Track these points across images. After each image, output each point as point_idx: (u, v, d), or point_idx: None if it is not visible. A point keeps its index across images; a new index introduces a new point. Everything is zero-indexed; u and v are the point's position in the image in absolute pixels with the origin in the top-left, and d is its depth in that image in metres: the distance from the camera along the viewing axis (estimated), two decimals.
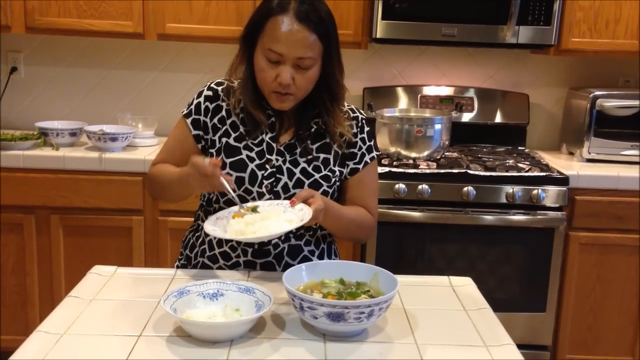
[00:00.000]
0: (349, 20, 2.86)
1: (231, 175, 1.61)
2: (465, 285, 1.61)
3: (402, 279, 1.40)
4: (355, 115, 1.72)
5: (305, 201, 1.49)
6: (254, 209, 1.51)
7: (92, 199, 2.73)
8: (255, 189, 1.62)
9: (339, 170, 1.68)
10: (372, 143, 1.73)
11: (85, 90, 3.26)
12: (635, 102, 2.91)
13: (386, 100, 3.16)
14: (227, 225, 1.49)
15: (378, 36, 2.86)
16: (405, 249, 2.72)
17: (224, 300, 1.36)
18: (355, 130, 1.70)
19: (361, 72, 3.23)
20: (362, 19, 2.88)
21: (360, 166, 1.70)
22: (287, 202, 1.51)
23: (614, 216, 2.74)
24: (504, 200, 2.68)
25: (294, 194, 1.60)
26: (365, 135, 1.71)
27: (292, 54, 1.53)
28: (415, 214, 2.66)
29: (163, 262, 2.76)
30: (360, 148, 1.70)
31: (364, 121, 1.73)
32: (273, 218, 1.46)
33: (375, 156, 1.73)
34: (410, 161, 2.78)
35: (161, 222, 2.75)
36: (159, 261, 2.77)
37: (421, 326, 1.37)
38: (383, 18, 2.83)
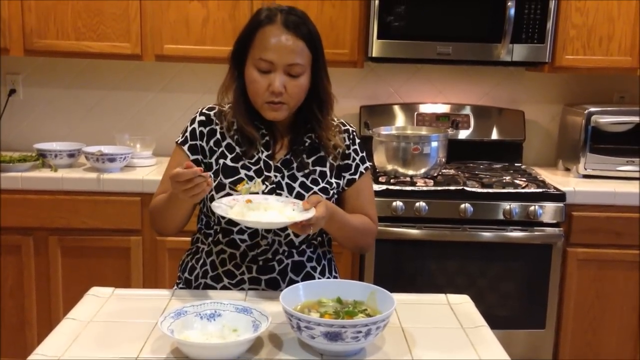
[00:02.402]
0: (345, 39, 2.88)
1: (232, 194, 1.62)
2: (463, 303, 1.61)
3: (399, 297, 1.40)
4: (345, 128, 1.78)
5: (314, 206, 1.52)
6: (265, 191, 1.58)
7: (90, 220, 2.73)
8: None
9: (335, 182, 1.72)
10: (364, 154, 1.78)
11: (84, 111, 3.27)
12: (630, 118, 2.93)
13: (383, 118, 3.17)
14: (232, 206, 1.52)
15: (374, 55, 2.88)
16: (404, 267, 2.72)
17: (222, 321, 1.36)
18: (347, 142, 1.75)
19: (357, 90, 3.26)
20: (357, 38, 2.91)
21: (357, 177, 1.75)
22: (300, 202, 1.54)
23: (611, 232, 2.75)
24: (501, 217, 2.68)
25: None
26: (357, 147, 1.77)
27: (283, 61, 1.58)
28: (413, 232, 2.67)
29: (161, 283, 2.75)
30: (354, 159, 1.75)
31: (354, 133, 1.79)
32: (276, 210, 1.50)
33: (369, 166, 1.79)
34: (408, 179, 2.79)
35: (159, 243, 2.75)
36: (157, 281, 2.76)
37: (419, 345, 1.37)
38: (378, 37, 2.86)
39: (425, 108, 3.24)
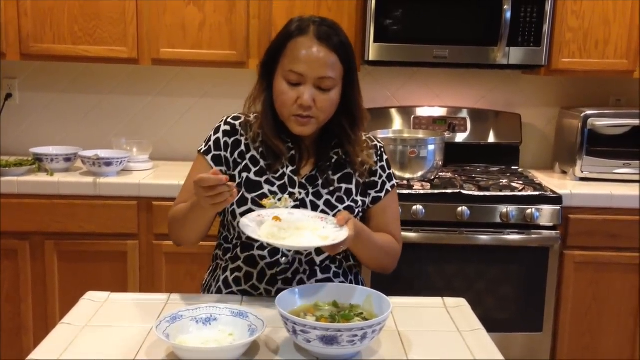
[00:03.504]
0: None
1: (254, 210, 1.58)
2: (459, 306, 1.60)
3: (395, 300, 1.40)
4: (374, 143, 1.72)
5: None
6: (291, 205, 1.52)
7: (86, 224, 2.72)
8: None
9: (361, 200, 1.67)
10: (391, 171, 1.73)
11: (80, 115, 3.27)
12: (627, 121, 2.94)
13: (380, 121, 3.17)
14: (261, 226, 1.46)
15: (370, 59, 2.89)
16: (401, 270, 2.67)
17: (217, 325, 1.35)
18: (375, 158, 1.70)
19: None
20: (354, 41, 2.90)
21: (382, 194, 1.70)
22: (333, 218, 1.48)
23: (608, 234, 2.75)
24: (498, 220, 2.68)
25: None
26: (384, 164, 1.72)
27: (313, 73, 1.53)
28: (411, 235, 2.66)
29: (158, 287, 2.75)
30: (381, 176, 1.70)
31: (382, 149, 1.73)
32: (308, 230, 1.44)
33: (396, 184, 1.73)
34: (405, 182, 2.79)
35: (156, 247, 2.75)
36: (154, 286, 2.76)
37: (415, 348, 1.36)
38: (375, 41, 2.86)
39: (422, 111, 3.24)
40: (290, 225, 1.44)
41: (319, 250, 1.60)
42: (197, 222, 1.56)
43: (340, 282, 1.67)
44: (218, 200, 1.39)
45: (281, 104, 1.57)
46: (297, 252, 1.61)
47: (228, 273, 1.66)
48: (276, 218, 1.47)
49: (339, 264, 1.68)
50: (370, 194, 1.69)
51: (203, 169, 1.62)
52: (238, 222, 1.53)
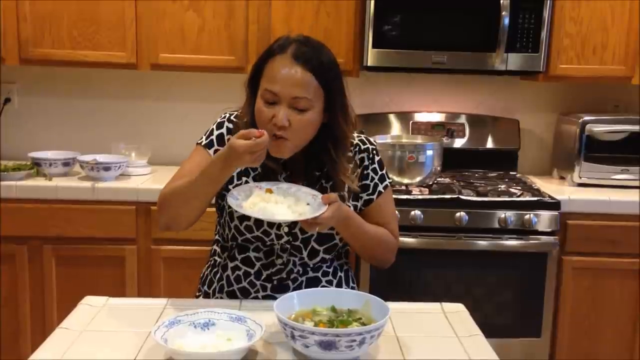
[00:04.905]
0: (340, 48, 2.89)
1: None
2: (458, 311, 1.60)
3: (394, 306, 1.40)
4: (365, 146, 1.71)
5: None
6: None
7: (84, 229, 2.72)
8: (273, 231, 1.62)
9: (353, 205, 1.67)
10: (384, 172, 1.72)
11: (79, 120, 3.27)
12: (625, 127, 2.95)
13: (378, 127, 3.18)
14: (250, 197, 1.51)
15: (369, 64, 2.89)
16: (400, 275, 2.71)
17: (215, 330, 1.35)
18: (366, 162, 1.70)
19: (353, 99, 3.16)
20: (353, 47, 2.92)
21: (374, 196, 1.69)
22: (320, 195, 1.52)
23: (606, 240, 2.75)
24: (496, 226, 2.68)
25: (312, 235, 1.61)
26: (376, 165, 1.71)
27: (287, 93, 1.51)
28: (409, 240, 2.66)
29: (156, 292, 2.74)
30: (373, 179, 1.70)
31: (374, 151, 1.72)
32: (287, 205, 1.49)
33: (389, 184, 1.73)
34: (403, 187, 2.79)
35: (154, 251, 2.74)
36: (152, 290, 2.75)
37: (413, 353, 1.36)
38: (374, 46, 2.87)
39: (421, 117, 3.24)
40: (272, 199, 1.50)
41: (310, 249, 1.64)
42: (209, 185, 1.51)
43: (328, 280, 1.69)
44: (263, 154, 1.45)
45: (258, 122, 1.56)
46: (292, 254, 1.64)
47: (229, 271, 1.68)
48: (269, 190, 1.51)
49: (329, 262, 1.71)
50: (362, 197, 1.69)
51: (204, 159, 1.61)
52: (228, 200, 1.54)
